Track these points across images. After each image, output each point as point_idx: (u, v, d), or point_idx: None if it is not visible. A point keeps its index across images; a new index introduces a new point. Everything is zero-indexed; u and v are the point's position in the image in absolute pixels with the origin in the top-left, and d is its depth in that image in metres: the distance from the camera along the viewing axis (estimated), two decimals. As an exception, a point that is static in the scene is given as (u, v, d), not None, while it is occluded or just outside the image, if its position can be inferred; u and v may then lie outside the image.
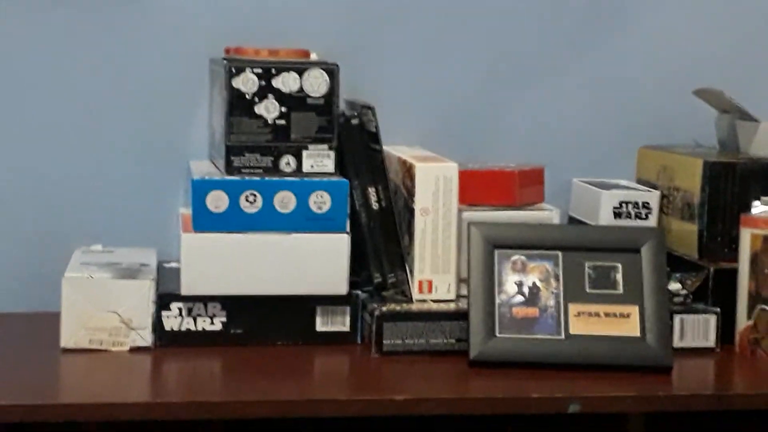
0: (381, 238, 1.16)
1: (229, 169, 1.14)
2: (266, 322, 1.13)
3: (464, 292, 1.14)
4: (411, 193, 1.17)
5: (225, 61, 1.14)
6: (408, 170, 1.18)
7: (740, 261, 1.13)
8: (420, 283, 1.16)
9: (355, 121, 1.17)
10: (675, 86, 1.31)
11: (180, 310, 1.12)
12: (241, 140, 1.13)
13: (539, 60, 1.33)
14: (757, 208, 1.14)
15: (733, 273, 1.14)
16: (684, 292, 1.16)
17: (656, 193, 1.23)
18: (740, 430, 1.14)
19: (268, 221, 1.12)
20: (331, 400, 1.01)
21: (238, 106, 1.13)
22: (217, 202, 1.12)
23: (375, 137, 1.16)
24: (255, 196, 1.12)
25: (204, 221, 1.12)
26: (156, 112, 1.27)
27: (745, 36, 1.35)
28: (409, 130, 1.30)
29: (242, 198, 1.12)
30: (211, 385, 1.06)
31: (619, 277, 1.12)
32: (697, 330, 1.14)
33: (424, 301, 1.16)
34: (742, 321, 1.13)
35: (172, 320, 1.12)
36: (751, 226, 1.13)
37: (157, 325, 1.11)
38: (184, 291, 1.12)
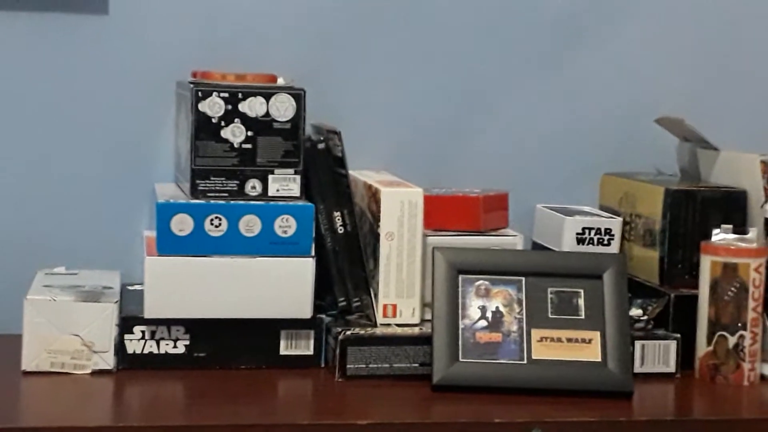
0: (346, 262, 1.17)
1: (195, 192, 1.14)
2: (230, 345, 1.13)
3: (429, 316, 1.15)
4: (376, 218, 1.17)
5: (191, 85, 1.15)
6: (373, 195, 1.19)
7: (700, 288, 1.15)
8: (384, 307, 1.17)
9: (321, 146, 1.18)
10: (638, 114, 1.33)
11: (143, 333, 1.12)
12: (206, 164, 1.14)
13: (504, 86, 1.34)
14: (717, 235, 1.15)
15: (694, 299, 1.15)
16: (645, 317, 1.17)
17: (618, 220, 1.25)
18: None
19: (233, 245, 1.12)
20: (293, 424, 1.01)
21: (204, 129, 1.13)
22: (181, 225, 1.12)
23: (341, 162, 1.17)
24: (220, 219, 1.13)
25: (168, 244, 1.11)
26: (122, 134, 1.27)
27: (707, 65, 1.37)
28: (375, 154, 1.31)
29: (207, 221, 1.12)
30: (173, 409, 1.05)
31: (581, 302, 1.13)
32: (658, 356, 1.15)
33: (388, 325, 1.16)
34: (702, 347, 1.14)
35: (134, 343, 1.12)
36: (711, 253, 1.14)
37: (120, 348, 1.11)
38: (148, 314, 1.11)
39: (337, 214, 1.17)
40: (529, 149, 1.35)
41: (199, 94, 1.13)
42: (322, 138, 1.18)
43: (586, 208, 1.30)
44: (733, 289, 1.13)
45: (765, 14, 1.37)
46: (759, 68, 1.38)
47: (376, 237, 1.17)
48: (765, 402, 1.11)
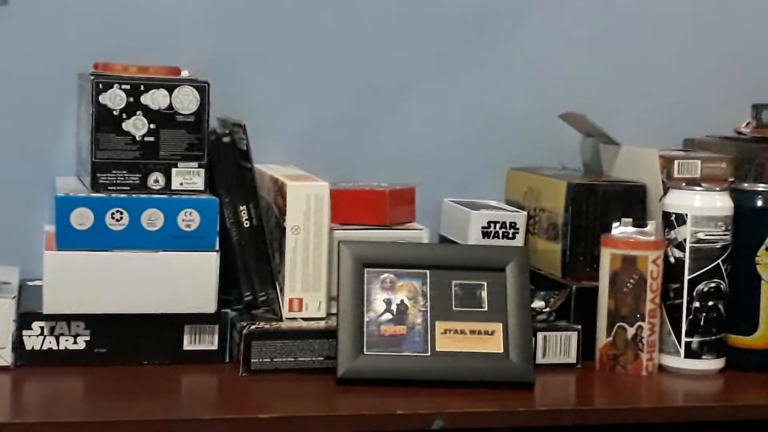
0: (252, 256, 1.16)
1: (96, 186, 1.12)
2: (132, 341, 1.12)
3: (335, 310, 1.15)
4: (282, 212, 1.17)
5: (92, 77, 1.13)
6: (280, 189, 1.18)
7: (600, 280, 1.17)
8: (290, 301, 1.17)
9: (226, 139, 1.17)
10: (542, 110, 1.35)
11: (42, 329, 1.10)
12: (107, 157, 1.12)
13: (411, 80, 1.35)
14: (617, 228, 1.18)
15: (595, 291, 1.17)
16: (547, 309, 1.19)
17: (523, 214, 1.26)
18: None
19: (135, 239, 1.11)
20: (195, 419, 1.00)
21: (105, 122, 1.12)
22: (81, 219, 1.10)
23: (246, 155, 1.16)
24: (121, 213, 1.11)
25: (68, 239, 1.10)
26: (22, 127, 1.24)
27: (609, 62, 1.39)
28: (282, 148, 1.30)
29: (108, 215, 1.11)
30: (72, 405, 1.04)
31: (485, 295, 1.14)
32: (560, 347, 1.17)
33: (294, 319, 1.16)
34: (602, 338, 1.17)
35: (33, 339, 1.10)
36: (611, 246, 1.17)
37: (18, 344, 1.09)
38: (47, 310, 1.09)
39: (242, 207, 1.16)
40: (437, 144, 1.36)
41: (100, 86, 1.12)
42: (227, 131, 1.18)
43: (492, 202, 1.32)
44: (632, 281, 1.15)
45: (663, 12, 1.40)
46: (658, 65, 1.41)
47: (282, 231, 1.17)
48: (662, 391, 1.14)
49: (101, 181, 1.12)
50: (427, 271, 1.14)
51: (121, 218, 1.11)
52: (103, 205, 1.11)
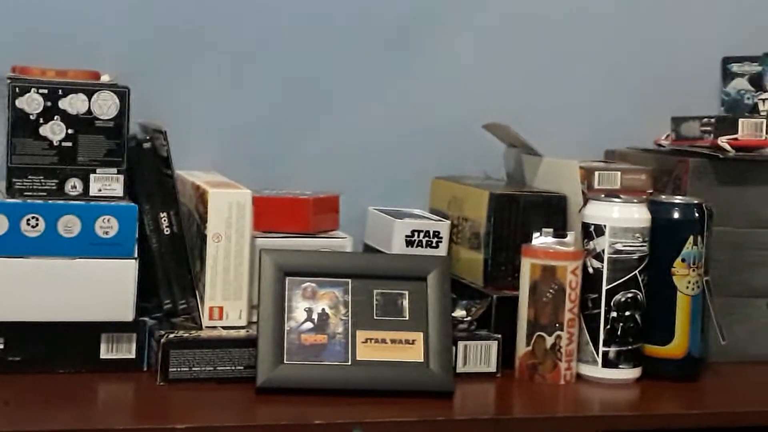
0: (172, 263, 1.15)
1: (11, 191, 1.10)
2: (47, 349, 1.10)
3: (256, 319, 1.14)
4: (204, 219, 1.16)
5: (9, 80, 1.11)
6: (201, 196, 1.17)
7: (521, 289, 1.18)
8: (211, 309, 1.16)
9: (146, 145, 1.15)
10: (467, 120, 1.36)
11: (-47, 337, 1.08)
12: (24, 162, 1.10)
13: (336, 88, 1.35)
14: (538, 239, 1.19)
15: (515, 301, 1.18)
16: (468, 318, 1.20)
17: (447, 223, 1.27)
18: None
19: (51, 246, 1.09)
20: (110, 429, 0.98)
21: (22, 126, 1.10)
22: (-5, 225, 1.08)
23: (167, 162, 1.15)
24: (37, 219, 1.09)
25: (-19, 245, 1.08)
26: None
27: (532, 73, 1.41)
28: (204, 155, 1.29)
29: (23, 221, 1.09)
30: (-17, 416, 1.02)
31: (406, 303, 1.14)
32: (480, 356, 1.18)
33: (214, 327, 1.15)
34: (522, 347, 1.18)
35: (-56, 348, 1.07)
36: (531, 256, 1.18)
37: (-73, 353, 1.07)
38: (-42, 317, 1.07)
39: (163, 215, 1.15)
40: (361, 152, 1.36)
41: (17, 89, 1.10)
42: (147, 137, 1.16)
43: (417, 211, 1.32)
44: (551, 290, 1.16)
45: (586, 25, 1.43)
46: (580, 78, 1.43)
47: (204, 238, 1.16)
48: (579, 400, 1.15)
49: (17, 187, 1.10)
50: (349, 280, 1.14)
51: (37, 224, 1.09)
52: (19, 210, 1.09)
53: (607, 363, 1.18)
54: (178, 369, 1.10)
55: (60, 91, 1.11)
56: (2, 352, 1.08)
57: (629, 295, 1.17)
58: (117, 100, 1.12)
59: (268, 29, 1.33)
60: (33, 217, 1.09)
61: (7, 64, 1.16)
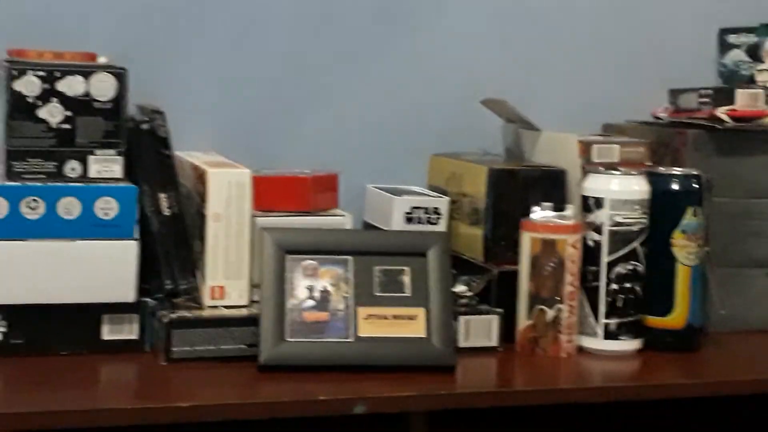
0: (172, 244, 1.15)
1: (10, 174, 1.10)
2: (50, 331, 1.10)
3: (257, 297, 1.15)
4: (203, 199, 1.16)
5: (6, 63, 1.11)
6: (200, 176, 1.17)
7: (521, 263, 1.18)
8: (212, 289, 1.16)
9: (145, 126, 1.15)
10: (464, 96, 1.36)
11: (-44, 320, 1.08)
12: (22, 144, 1.10)
13: (334, 66, 1.35)
14: (537, 213, 1.19)
15: (516, 275, 1.19)
16: (469, 293, 1.20)
17: (446, 199, 1.27)
18: (520, 424, 1.19)
19: (52, 228, 1.09)
20: (113, 408, 0.99)
21: (20, 109, 1.10)
22: (-6, 208, 1.08)
23: (165, 142, 1.15)
24: (37, 202, 1.09)
25: (-18, 228, 1.08)
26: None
27: (529, 48, 1.41)
28: (203, 135, 1.29)
29: (23, 204, 1.09)
30: (-13, 398, 1.02)
31: (407, 280, 1.15)
32: (481, 330, 1.18)
33: (215, 307, 1.15)
34: (523, 321, 1.18)
35: (-53, 331, 1.08)
36: (530, 230, 1.18)
37: (-69, 336, 1.07)
38: (-39, 301, 1.08)
39: (162, 195, 1.15)
40: (360, 130, 1.36)
41: (14, 72, 1.10)
42: (146, 118, 1.16)
43: (415, 188, 1.32)
44: (551, 264, 1.17)
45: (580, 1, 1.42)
46: (577, 52, 1.42)
47: (203, 218, 1.16)
48: (580, 372, 1.16)
49: (16, 170, 1.10)
50: (350, 257, 1.14)
51: (37, 207, 1.09)
52: (18, 193, 1.09)
53: (608, 335, 1.18)
54: (181, 348, 1.10)
55: (57, 73, 1.10)
56: (5, 335, 1.09)
57: (629, 267, 1.18)
58: (115, 82, 1.12)
59: (264, 8, 1.32)
60: (33, 200, 1.09)
61: (1, 47, 1.16)
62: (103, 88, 1.12)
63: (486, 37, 1.39)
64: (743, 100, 1.28)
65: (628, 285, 1.18)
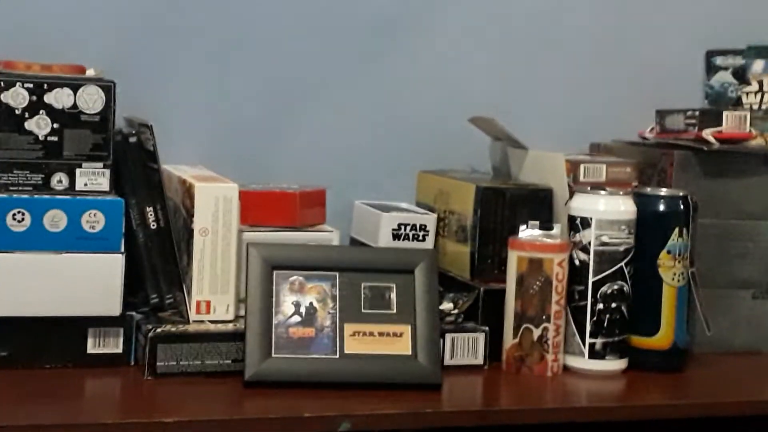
0: (159, 258, 1.15)
1: (-4, 186, 1.10)
2: (34, 344, 1.09)
3: (243, 313, 1.14)
4: (190, 213, 1.16)
5: (-6, 74, 1.11)
6: (187, 190, 1.17)
7: (508, 282, 1.18)
8: (198, 303, 1.15)
9: (132, 140, 1.15)
10: (452, 114, 1.36)
11: (-61, 332, 1.07)
12: (9, 156, 1.10)
13: (322, 82, 1.35)
14: (524, 231, 1.19)
15: (502, 293, 1.19)
16: (456, 311, 1.20)
17: (433, 216, 1.27)
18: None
19: (38, 240, 1.09)
20: (95, 424, 0.98)
21: (7, 121, 1.10)
22: (-20, 220, 1.07)
23: (153, 156, 1.15)
24: (23, 214, 1.09)
25: (-33, 240, 1.07)
26: None
27: (517, 67, 1.41)
28: (191, 149, 1.29)
29: (9, 216, 1.08)
30: (-31, 411, 1.01)
31: (394, 296, 1.15)
32: (467, 348, 1.18)
33: (201, 321, 1.15)
34: (509, 339, 1.18)
35: (-71, 344, 1.07)
36: (517, 248, 1.18)
37: None
38: (-56, 313, 1.07)
39: (149, 209, 1.15)
40: (348, 146, 1.36)
41: (2, 84, 1.09)
42: (133, 131, 1.16)
43: (403, 205, 1.32)
44: (538, 283, 1.17)
45: (570, 18, 1.43)
46: (565, 71, 1.43)
47: (190, 233, 1.16)
48: (566, 391, 1.16)
49: (2, 182, 1.09)
50: (337, 273, 1.14)
51: (23, 219, 1.09)
52: (4, 205, 1.08)
53: (594, 354, 1.18)
54: (166, 363, 1.10)
55: (45, 85, 1.10)
56: (-11, 347, 1.08)
57: (615, 286, 1.18)
58: (103, 95, 1.12)
59: (253, 24, 1.33)
60: (19, 212, 1.09)
61: (-10, 58, 1.16)
62: (91, 100, 1.12)
63: (474, 56, 1.40)
64: (730, 122, 1.29)
65: (614, 305, 1.18)
